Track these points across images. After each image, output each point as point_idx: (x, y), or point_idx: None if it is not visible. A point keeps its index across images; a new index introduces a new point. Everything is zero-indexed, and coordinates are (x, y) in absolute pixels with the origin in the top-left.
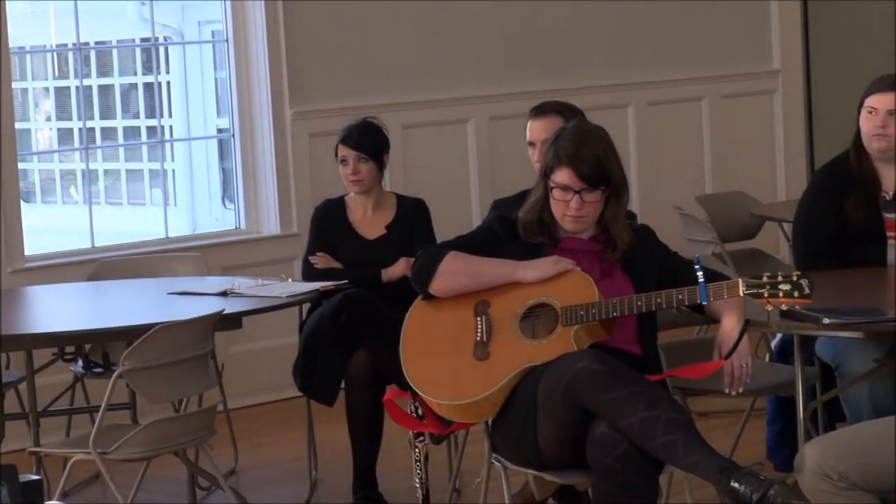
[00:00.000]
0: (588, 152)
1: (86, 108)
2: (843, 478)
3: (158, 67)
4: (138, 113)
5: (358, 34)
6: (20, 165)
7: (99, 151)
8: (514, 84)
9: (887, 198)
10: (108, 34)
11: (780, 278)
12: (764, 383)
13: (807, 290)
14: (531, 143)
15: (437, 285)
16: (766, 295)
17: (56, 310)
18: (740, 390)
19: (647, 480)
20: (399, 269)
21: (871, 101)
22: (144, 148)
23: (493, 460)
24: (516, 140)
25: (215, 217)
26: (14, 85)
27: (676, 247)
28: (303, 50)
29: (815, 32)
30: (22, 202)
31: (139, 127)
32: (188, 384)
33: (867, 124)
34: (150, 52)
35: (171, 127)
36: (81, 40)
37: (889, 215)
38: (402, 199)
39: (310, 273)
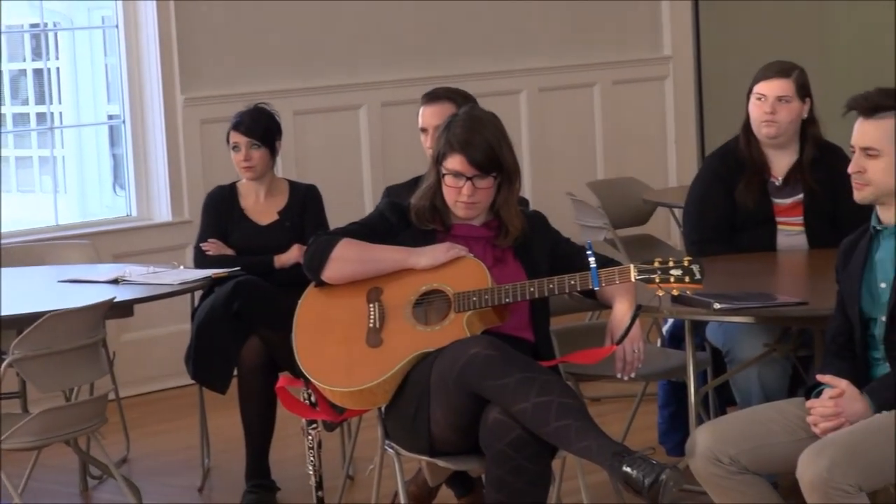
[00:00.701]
0: (480, 139)
1: None
2: (734, 462)
3: (48, 53)
4: (27, 99)
5: (250, 20)
6: None
7: None
8: (405, 70)
9: (776, 183)
10: None
11: (671, 264)
12: (655, 368)
13: (697, 276)
14: (423, 130)
15: (330, 272)
16: (657, 280)
17: None
18: (632, 375)
19: (540, 465)
20: (292, 255)
21: (760, 87)
22: (34, 134)
23: (386, 447)
24: (408, 126)
25: (106, 204)
26: None
27: (568, 233)
28: (194, 36)
29: (706, 19)
30: None
31: (28, 113)
32: (79, 372)
33: (756, 111)
34: (40, 38)
35: (60, 113)
36: None
37: (778, 201)
38: (294, 186)
39: (202, 260)
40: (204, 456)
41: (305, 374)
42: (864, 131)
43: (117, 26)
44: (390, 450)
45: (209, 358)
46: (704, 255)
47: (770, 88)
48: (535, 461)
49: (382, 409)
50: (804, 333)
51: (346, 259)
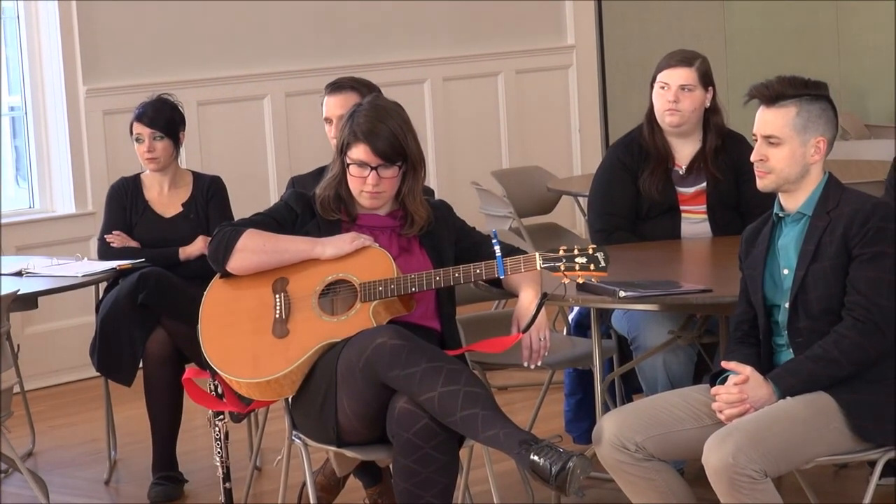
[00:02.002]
0: (384, 128)
1: None
2: (641, 449)
3: None
4: None
5: (152, 10)
6: None
7: None
8: (309, 60)
9: (680, 172)
10: None
11: (576, 252)
12: (562, 356)
13: (602, 264)
14: (327, 120)
15: (235, 263)
16: (562, 268)
17: None
18: (539, 364)
19: (447, 455)
20: (196, 247)
21: (663, 76)
22: None
23: (293, 438)
24: (313, 116)
25: (8, 196)
26: None
27: (474, 222)
28: (96, 26)
29: (608, 8)
30: None
31: None
32: None
33: (660, 99)
34: None
35: None
36: None
37: (682, 189)
38: (198, 177)
39: (106, 252)
40: (110, 448)
41: (212, 365)
42: (765, 120)
43: (17, 17)
44: (298, 440)
45: (114, 350)
46: (609, 244)
47: (673, 77)
48: (443, 450)
49: (289, 399)
50: (709, 320)
51: (252, 250)
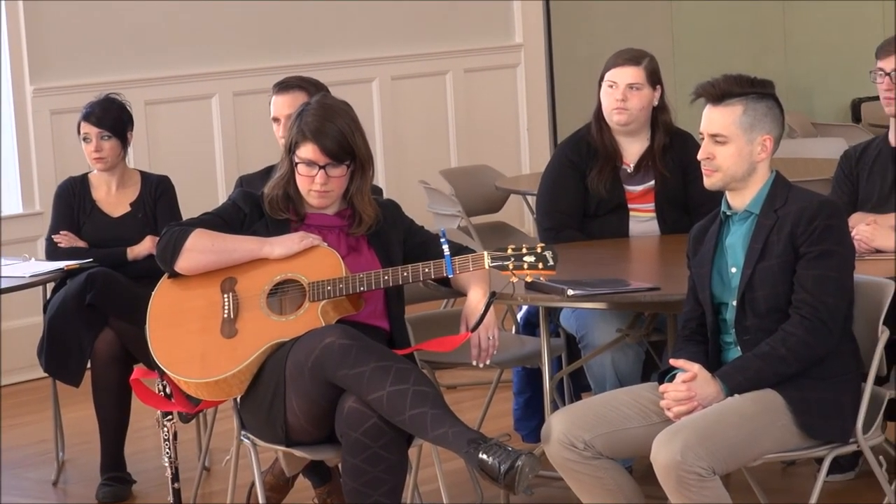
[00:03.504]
0: (332, 127)
1: None
2: (589, 447)
3: None
4: None
5: (100, 9)
6: None
7: None
8: (258, 59)
9: (628, 170)
10: None
11: (524, 250)
12: (510, 355)
13: (551, 262)
14: (275, 119)
15: (183, 263)
16: (511, 267)
17: None
18: (487, 362)
19: (396, 454)
20: (145, 247)
21: (611, 74)
22: None
23: (242, 438)
24: (261, 116)
25: None
26: None
27: (422, 221)
28: (43, 25)
29: (556, 7)
30: None
31: None
32: None
33: (608, 98)
34: None
35: None
36: None
37: (630, 187)
38: (146, 177)
39: (54, 252)
40: (58, 449)
41: (160, 365)
42: (712, 118)
43: None
44: (246, 440)
45: (62, 351)
46: (557, 242)
47: (621, 76)
48: (392, 449)
49: (238, 399)
50: (657, 319)
51: (200, 249)
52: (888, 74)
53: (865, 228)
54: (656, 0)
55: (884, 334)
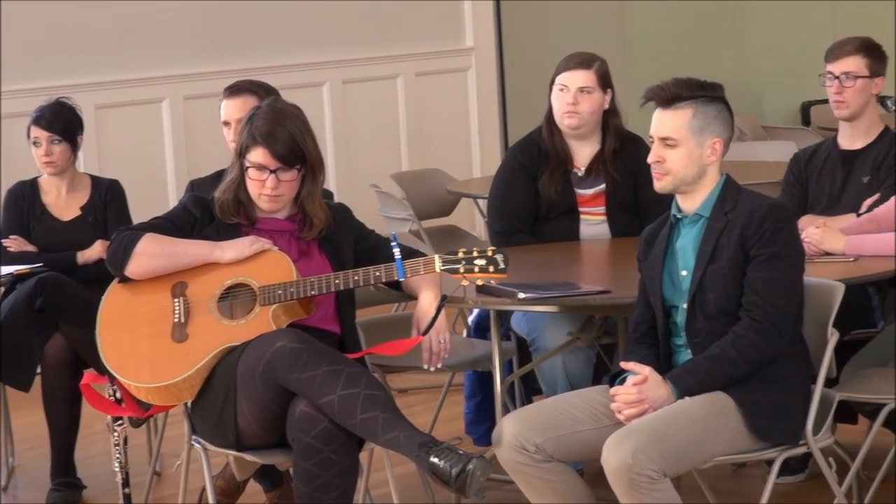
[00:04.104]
0: (283, 131)
1: None
2: (540, 450)
3: None
4: None
5: (50, 13)
6: None
7: None
8: (208, 63)
9: (579, 174)
10: None
11: (475, 254)
12: (462, 358)
13: (502, 265)
14: (226, 123)
15: (133, 267)
16: (462, 270)
17: None
18: (439, 366)
19: (347, 458)
20: (95, 251)
21: (562, 78)
22: None
23: (192, 442)
24: (211, 120)
25: None
26: None
27: (373, 224)
28: None
29: (507, 10)
30: None
31: None
32: None
33: (558, 101)
34: None
35: None
36: None
37: (581, 191)
38: (96, 181)
39: (2, 257)
40: (8, 455)
41: (110, 370)
42: (662, 122)
43: None
44: (197, 445)
45: (12, 356)
46: (508, 246)
47: (572, 79)
48: (343, 453)
49: (189, 404)
50: (607, 321)
51: (150, 254)
52: (837, 78)
53: (815, 231)
54: (607, 3)
55: (833, 336)
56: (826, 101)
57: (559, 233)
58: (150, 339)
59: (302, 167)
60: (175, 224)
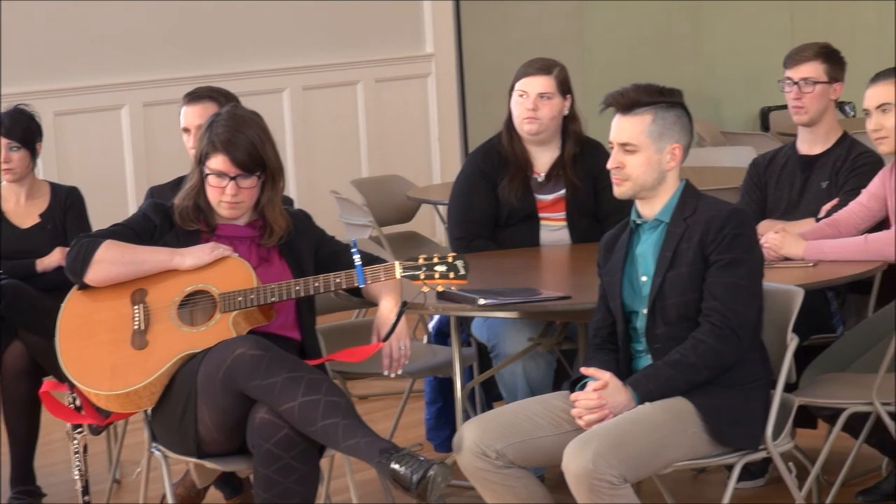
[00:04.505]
0: (242, 138)
1: None
2: (501, 456)
3: None
4: None
5: (7, 20)
6: None
7: None
8: (168, 70)
9: (539, 179)
10: None
11: (435, 260)
12: (422, 365)
13: (462, 272)
14: (186, 130)
15: (93, 274)
16: (422, 277)
17: None
18: (399, 372)
19: (308, 465)
20: (54, 258)
21: (521, 84)
22: None
23: (153, 449)
24: (171, 126)
25: None
26: None
27: (334, 231)
28: None
29: (467, 17)
30: None
31: None
32: None
33: (518, 107)
34: None
35: None
36: None
37: (541, 197)
38: (55, 188)
39: None
40: None
41: (70, 378)
42: (621, 127)
43: None
44: (157, 452)
45: None
46: (469, 252)
47: (531, 85)
48: (303, 460)
49: (149, 411)
50: (568, 327)
51: (110, 261)
52: (796, 83)
53: (774, 236)
54: (567, 10)
55: (793, 341)
56: (785, 107)
57: (519, 239)
58: (109, 346)
59: (262, 174)
60: (135, 231)
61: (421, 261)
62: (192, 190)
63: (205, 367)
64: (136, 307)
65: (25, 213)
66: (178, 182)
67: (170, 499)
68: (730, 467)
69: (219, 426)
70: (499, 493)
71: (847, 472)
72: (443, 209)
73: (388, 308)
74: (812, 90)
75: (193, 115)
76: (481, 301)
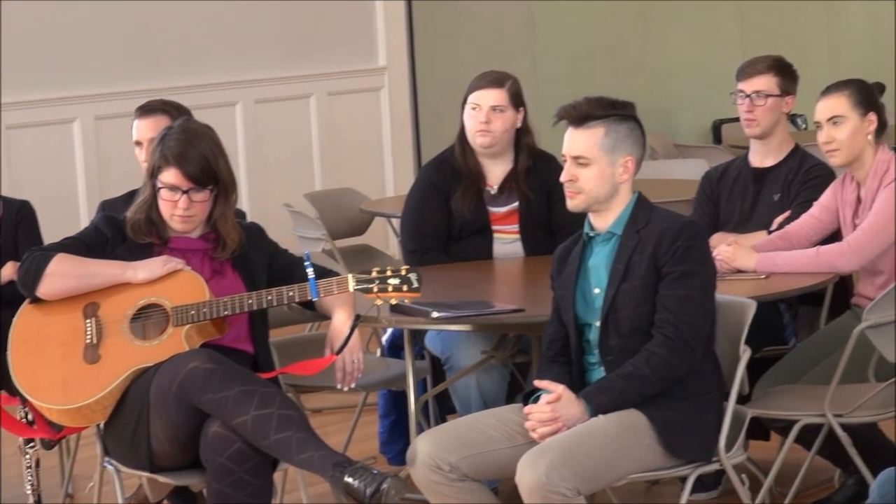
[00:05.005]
0: (195, 152)
1: None
2: (455, 469)
3: None
4: None
5: None
6: None
7: None
8: (119, 83)
9: (492, 192)
10: None
11: (389, 273)
12: (375, 378)
13: (415, 284)
14: (138, 143)
15: (45, 288)
16: (375, 290)
17: None
18: (352, 385)
19: (261, 478)
20: (6, 273)
21: (474, 97)
22: None
23: (105, 464)
24: (123, 140)
25: None
26: None
27: (287, 244)
28: None
29: (420, 30)
30: None
31: None
32: None
33: (471, 120)
34: None
35: None
36: None
37: (494, 209)
38: (7, 202)
39: None
40: None
41: (21, 392)
42: (574, 140)
43: None
44: (110, 466)
45: None
46: (422, 265)
47: (484, 98)
48: (257, 474)
49: (101, 425)
50: (521, 340)
51: (62, 274)
52: (748, 96)
53: (727, 249)
54: (519, 23)
55: (745, 353)
56: (737, 120)
57: (472, 251)
58: (61, 360)
59: (214, 187)
60: (87, 244)
61: (374, 274)
62: (145, 203)
63: (157, 381)
64: (88, 321)
65: None
66: (131, 195)
67: None
68: (683, 479)
69: (171, 440)
70: None
71: (800, 484)
72: (396, 222)
73: (341, 321)
74: (764, 103)
75: (145, 129)
76: (435, 314)
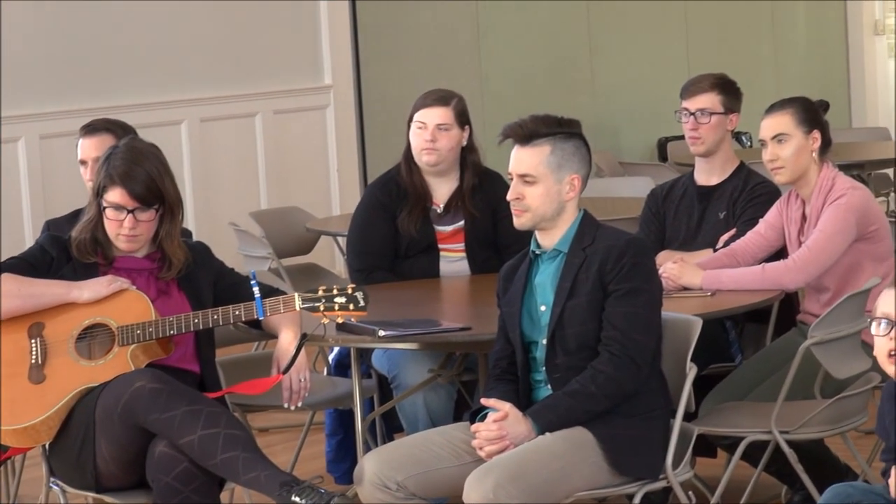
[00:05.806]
0: (140, 171)
1: None
2: (402, 487)
3: None
4: None
5: None
6: None
7: None
8: (64, 102)
9: (438, 210)
10: None
11: (335, 292)
12: (322, 397)
13: (362, 303)
14: (83, 162)
15: None
16: (322, 308)
17: None
18: (299, 404)
19: (207, 498)
20: None
21: (420, 115)
22: None
23: (51, 485)
24: (68, 159)
25: None
26: None
27: (232, 263)
28: None
29: (365, 48)
30: None
31: None
32: None
33: (417, 139)
34: None
35: None
36: None
37: (440, 228)
38: None
39: None
40: None
41: None
42: (520, 159)
43: None
44: (56, 487)
45: None
46: (368, 283)
47: (430, 116)
48: (203, 493)
49: (47, 445)
50: (468, 358)
51: (6, 294)
52: (693, 114)
53: (673, 266)
54: (465, 41)
55: (691, 371)
56: (682, 138)
57: (419, 270)
58: (7, 380)
59: (160, 207)
60: (31, 264)
61: (320, 292)
62: (90, 223)
63: (103, 401)
64: (33, 341)
65: None
66: (76, 215)
67: None
68: (630, 496)
69: (117, 460)
70: None
71: (747, 501)
72: (342, 241)
73: (287, 340)
74: (708, 121)
75: (90, 148)
76: (381, 332)
